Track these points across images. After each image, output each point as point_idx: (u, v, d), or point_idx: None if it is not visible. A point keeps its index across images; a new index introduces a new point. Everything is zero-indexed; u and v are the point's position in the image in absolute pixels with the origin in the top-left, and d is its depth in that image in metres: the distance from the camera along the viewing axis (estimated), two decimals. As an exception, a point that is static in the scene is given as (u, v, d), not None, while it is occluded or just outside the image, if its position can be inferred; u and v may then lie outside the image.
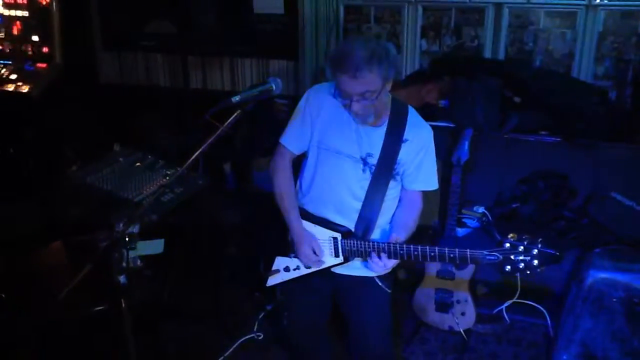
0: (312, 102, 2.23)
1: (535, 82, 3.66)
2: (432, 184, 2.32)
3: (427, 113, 3.63)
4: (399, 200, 2.34)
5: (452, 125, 3.58)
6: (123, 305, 2.04)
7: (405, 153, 2.21)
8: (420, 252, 2.11)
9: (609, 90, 3.82)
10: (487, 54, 4.04)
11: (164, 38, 4.61)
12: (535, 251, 1.94)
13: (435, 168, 2.32)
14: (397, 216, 2.33)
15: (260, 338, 3.27)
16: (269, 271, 2.37)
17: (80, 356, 2.88)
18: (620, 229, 3.27)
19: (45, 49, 4.47)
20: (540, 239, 1.95)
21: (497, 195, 3.68)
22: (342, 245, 2.25)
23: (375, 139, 2.19)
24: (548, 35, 3.90)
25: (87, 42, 4.92)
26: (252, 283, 2.78)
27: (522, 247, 1.96)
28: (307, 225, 2.29)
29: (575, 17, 3.80)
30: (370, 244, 2.19)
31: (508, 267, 1.98)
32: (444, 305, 3.21)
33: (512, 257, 1.98)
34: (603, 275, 2.78)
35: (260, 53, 4.43)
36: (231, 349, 3.18)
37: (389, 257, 2.14)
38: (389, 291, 2.38)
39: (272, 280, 2.38)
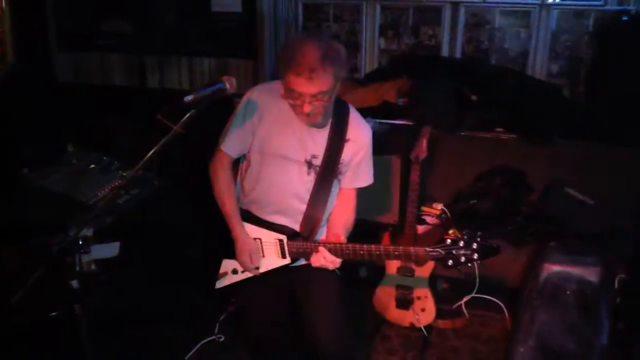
0: (253, 106, 2.20)
1: (491, 80, 3.72)
2: (369, 180, 2.39)
3: (386, 111, 3.68)
4: (338, 201, 2.37)
5: (410, 123, 3.61)
6: (76, 310, 2.00)
7: (347, 153, 2.25)
8: (366, 251, 2.15)
9: (562, 87, 3.91)
10: (445, 52, 4.09)
11: (120, 37, 4.53)
12: (475, 245, 2.01)
13: (372, 164, 2.38)
14: (335, 217, 2.36)
15: (221, 340, 3.23)
16: (216, 274, 2.35)
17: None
18: (574, 223, 3.35)
19: (-4, 49, 4.34)
20: (479, 233, 2.04)
21: (455, 192, 3.73)
22: (288, 247, 2.26)
23: (319, 141, 2.21)
24: (503, 34, 3.97)
25: (41, 42, 4.79)
26: (212, 284, 2.74)
27: (462, 242, 2.03)
28: (252, 228, 2.29)
29: (529, 16, 3.88)
30: (316, 245, 2.19)
31: (450, 262, 2.05)
32: (405, 302, 3.23)
33: (453, 252, 2.04)
34: (557, 268, 2.83)
35: (218, 52, 4.38)
36: (192, 351, 3.13)
37: (336, 256, 2.16)
38: (339, 274, 2.39)
39: (221, 283, 2.38)
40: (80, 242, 1.97)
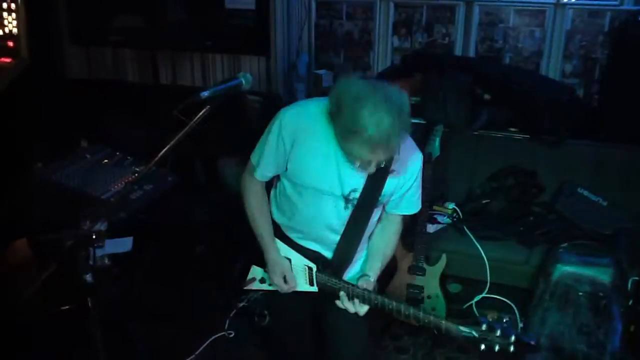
0: (286, 130, 2.00)
1: (504, 80, 3.70)
2: (416, 207, 2.20)
3: (398, 110, 3.67)
4: (379, 221, 2.21)
5: (423, 121, 3.60)
6: (89, 304, 2.01)
7: (391, 185, 2.04)
8: (394, 307, 2.02)
9: (576, 87, 3.88)
10: (458, 51, 4.08)
11: (133, 32, 4.54)
12: (513, 338, 1.84)
13: (420, 191, 2.18)
14: (374, 242, 2.22)
15: (231, 336, 3.25)
16: (244, 280, 2.31)
17: (48, 356, 2.83)
18: (587, 224, 3.33)
19: (10, 43, 4.36)
20: (521, 325, 1.90)
21: (467, 191, 3.72)
22: (317, 278, 2.17)
23: (358, 174, 1.99)
24: (517, 33, 3.95)
25: (54, 37, 4.81)
26: (223, 281, 2.76)
27: (499, 331, 1.86)
28: (283, 247, 2.20)
29: (544, 15, 3.86)
30: (345, 286, 2.09)
31: (482, 347, 1.89)
32: (415, 300, 3.22)
33: (488, 338, 1.87)
34: (569, 270, 2.82)
35: (231, 49, 4.38)
36: (202, 347, 3.15)
37: (362, 302, 2.05)
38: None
39: (247, 287, 2.35)
40: (94, 237, 1.97)
